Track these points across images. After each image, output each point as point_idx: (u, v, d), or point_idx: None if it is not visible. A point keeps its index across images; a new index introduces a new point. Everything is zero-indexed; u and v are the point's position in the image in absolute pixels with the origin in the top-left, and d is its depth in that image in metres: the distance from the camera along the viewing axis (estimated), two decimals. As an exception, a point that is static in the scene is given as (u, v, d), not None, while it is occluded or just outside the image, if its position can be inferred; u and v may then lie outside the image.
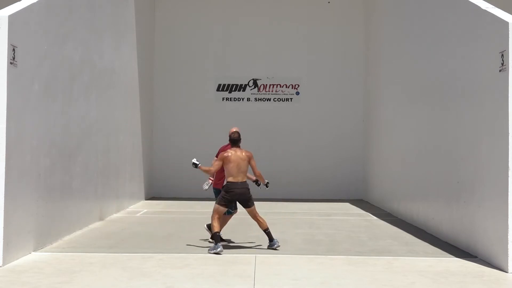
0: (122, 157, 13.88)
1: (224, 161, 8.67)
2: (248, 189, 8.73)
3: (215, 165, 8.79)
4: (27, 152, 7.99)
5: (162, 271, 7.20)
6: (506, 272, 7.28)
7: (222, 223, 8.95)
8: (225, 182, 8.89)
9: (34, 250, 8.26)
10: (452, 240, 9.33)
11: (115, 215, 12.86)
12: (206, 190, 9.48)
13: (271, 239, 8.80)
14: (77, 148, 10.29)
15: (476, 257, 8.23)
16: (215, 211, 8.70)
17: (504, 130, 7.37)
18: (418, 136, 11.51)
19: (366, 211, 14.53)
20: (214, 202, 8.90)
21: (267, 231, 8.79)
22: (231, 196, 8.65)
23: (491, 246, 7.75)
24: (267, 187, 9.12)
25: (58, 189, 9.27)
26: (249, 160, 8.73)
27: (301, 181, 18.29)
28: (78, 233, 10.13)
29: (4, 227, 7.28)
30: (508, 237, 7.26)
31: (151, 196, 17.80)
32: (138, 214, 13.47)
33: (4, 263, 7.32)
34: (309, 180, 18.36)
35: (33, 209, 8.21)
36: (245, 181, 8.76)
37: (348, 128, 18.52)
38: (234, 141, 8.84)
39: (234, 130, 8.97)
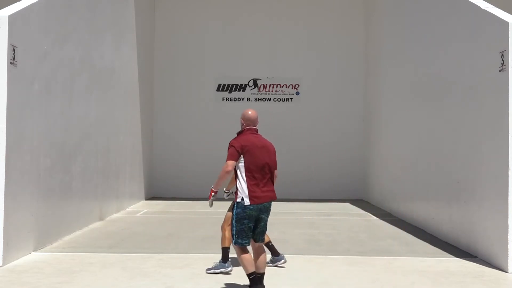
0: (122, 157, 13.88)
1: None
2: None
3: None
4: (27, 152, 7.99)
5: (162, 271, 7.20)
6: (506, 272, 7.28)
7: None
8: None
9: (34, 250, 8.26)
10: (452, 240, 9.33)
11: (115, 215, 12.86)
12: None
13: (275, 253, 7.58)
14: (77, 148, 10.29)
15: (476, 257, 8.23)
16: None
17: (504, 130, 7.37)
18: (418, 136, 11.51)
19: (366, 211, 14.52)
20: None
21: (269, 245, 7.54)
22: None
23: (491, 246, 7.75)
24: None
25: (58, 189, 9.27)
26: None
27: (301, 181, 18.26)
28: (78, 233, 10.13)
29: (4, 227, 7.28)
30: (508, 237, 7.26)
31: (151, 196, 17.80)
32: (138, 214, 13.47)
33: (4, 263, 7.32)
34: (309, 180, 18.35)
35: (33, 209, 8.21)
36: None
37: (348, 128, 18.51)
38: None
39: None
